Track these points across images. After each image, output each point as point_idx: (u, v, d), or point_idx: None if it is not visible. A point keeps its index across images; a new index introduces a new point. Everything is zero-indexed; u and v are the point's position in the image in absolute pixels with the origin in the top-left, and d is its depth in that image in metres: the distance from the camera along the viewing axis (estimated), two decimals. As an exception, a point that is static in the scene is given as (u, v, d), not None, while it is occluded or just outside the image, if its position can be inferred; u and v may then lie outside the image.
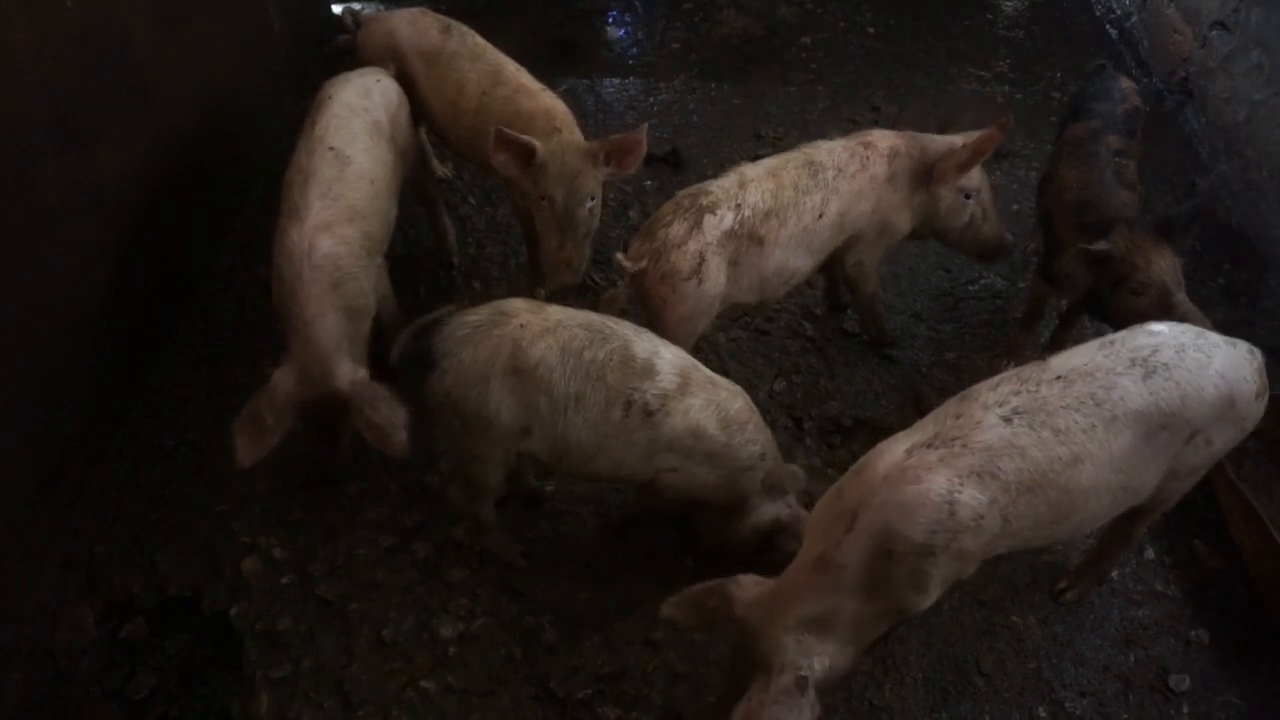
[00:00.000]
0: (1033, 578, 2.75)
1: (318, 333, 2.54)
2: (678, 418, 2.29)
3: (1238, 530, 2.73)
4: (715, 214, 2.66)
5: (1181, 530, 2.87)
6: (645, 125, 2.87)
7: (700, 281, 2.64)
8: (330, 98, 2.90)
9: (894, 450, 1.96)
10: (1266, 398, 2.15)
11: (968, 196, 3.00)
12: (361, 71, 3.09)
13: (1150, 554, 2.82)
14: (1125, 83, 3.21)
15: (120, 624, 2.62)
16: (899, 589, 1.93)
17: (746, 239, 2.70)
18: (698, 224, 2.63)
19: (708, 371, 2.40)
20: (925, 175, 2.93)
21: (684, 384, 2.30)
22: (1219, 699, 2.52)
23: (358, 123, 2.87)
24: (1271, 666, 2.58)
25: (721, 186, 2.73)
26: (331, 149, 2.74)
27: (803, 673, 1.88)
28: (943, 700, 2.51)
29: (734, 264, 2.71)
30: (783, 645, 1.92)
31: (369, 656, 2.56)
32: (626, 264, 2.66)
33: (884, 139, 2.94)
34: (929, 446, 1.93)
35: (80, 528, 2.82)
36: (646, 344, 2.33)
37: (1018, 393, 1.98)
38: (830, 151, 2.87)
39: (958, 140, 2.96)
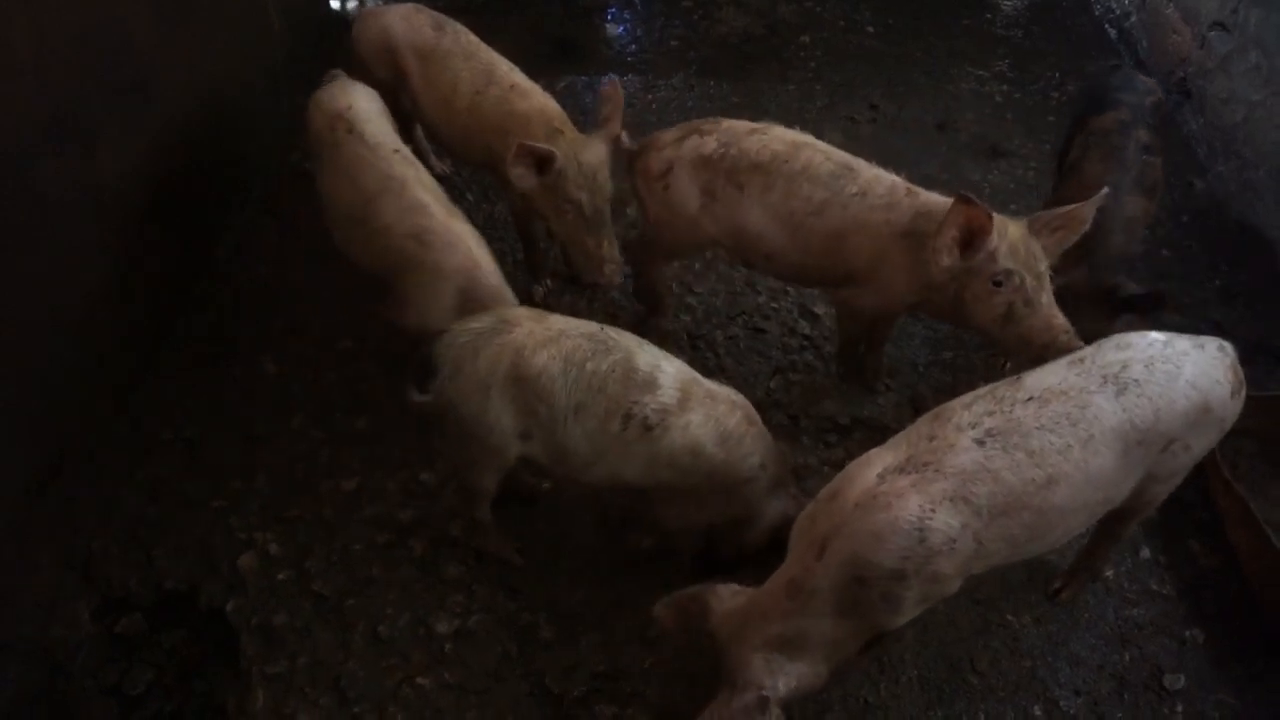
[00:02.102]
0: (1028, 576, 2.75)
1: (506, 294, 2.68)
2: (677, 433, 2.28)
3: (1233, 530, 2.73)
4: (702, 138, 2.79)
5: (1177, 530, 2.87)
6: (612, 79, 3.03)
7: (666, 188, 2.83)
8: (350, 106, 2.90)
9: (865, 475, 1.96)
10: (1244, 394, 2.13)
11: (996, 283, 2.44)
12: (343, 82, 3.07)
13: (1146, 553, 2.82)
14: (1145, 78, 3.20)
15: (117, 619, 2.62)
16: (872, 611, 1.94)
17: (724, 176, 2.76)
18: (683, 139, 2.82)
19: (708, 384, 2.39)
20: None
21: (684, 398, 2.29)
22: (1213, 698, 2.53)
23: (385, 122, 2.94)
24: (1266, 666, 2.58)
25: (733, 123, 2.83)
26: (396, 151, 2.81)
27: (765, 693, 1.89)
28: (938, 699, 2.51)
29: (709, 195, 2.80)
30: (750, 663, 1.93)
31: (365, 653, 2.57)
32: (626, 143, 2.93)
33: (937, 200, 2.60)
34: (901, 471, 1.92)
35: (77, 523, 2.83)
36: (649, 357, 2.33)
37: (991, 413, 1.96)
38: (875, 176, 2.68)
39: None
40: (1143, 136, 2.96)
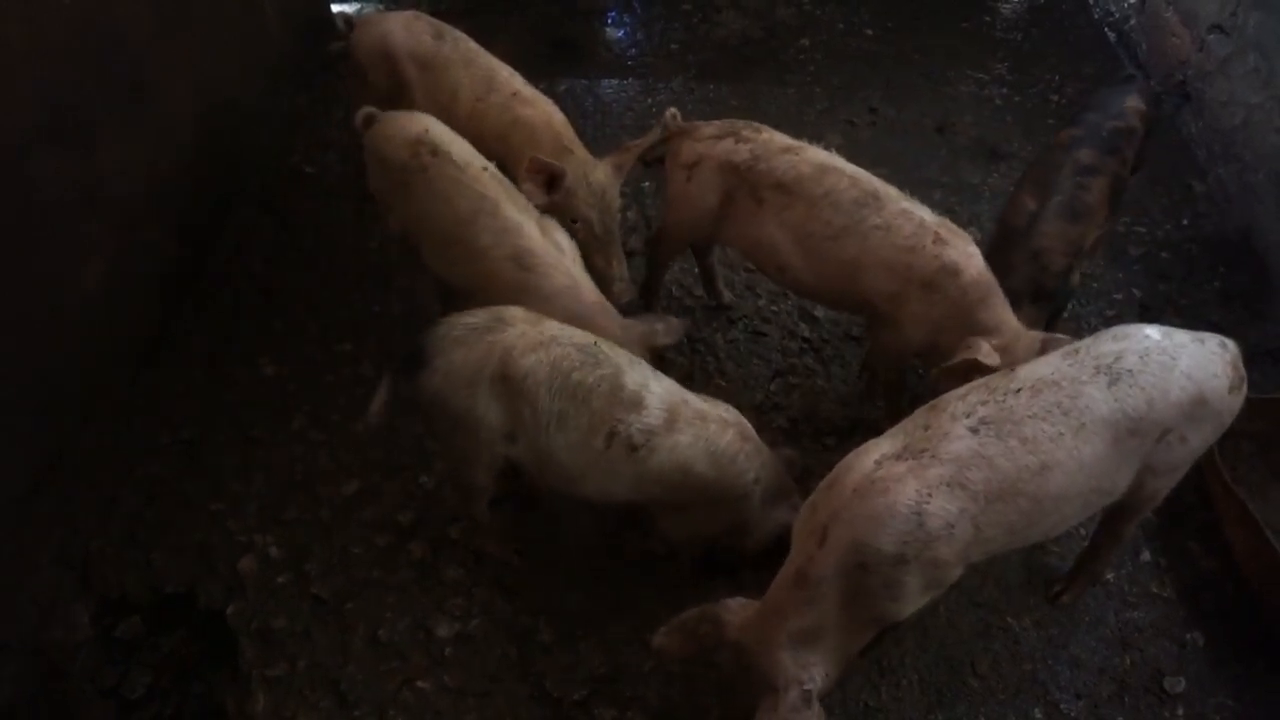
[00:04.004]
0: (1028, 579, 2.75)
1: (607, 306, 2.67)
2: (664, 454, 2.28)
3: (1232, 532, 2.73)
4: (739, 144, 2.81)
5: (1176, 532, 2.87)
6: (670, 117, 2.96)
7: (689, 179, 2.88)
8: (426, 129, 2.82)
9: (863, 462, 1.97)
10: (1244, 389, 2.14)
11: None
12: (399, 113, 2.99)
13: (1145, 556, 2.82)
14: (1132, 102, 3.13)
15: (115, 621, 2.62)
16: (876, 599, 1.94)
17: (748, 189, 2.79)
18: (720, 139, 2.84)
19: (699, 404, 2.37)
20: (959, 322, 2.55)
21: (671, 420, 2.28)
22: (1213, 701, 2.53)
23: (464, 140, 2.88)
24: (1266, 668, 2.58)
25: (771, 136, 2.84)
26: (485, 169, 2.77)
27: (807, 687, 1.90)
28: (938, 702, 2.51)
29: (728, 199, 2.83)
30: (782, 663, 1.93)
31: (365, 656, 2.56)
32: (670, 122, 2.94)
33: (967, 255, 2.55)
34: (897, 458, 1.94)
35: (75, 524, 2.82)
36: (638, 375, 2.32)
37: (985, 403, 1.99)
38: (902, 210, 2.60)
39: (1010, 330, 2.54)
40: (1084, 158, 2.91)
